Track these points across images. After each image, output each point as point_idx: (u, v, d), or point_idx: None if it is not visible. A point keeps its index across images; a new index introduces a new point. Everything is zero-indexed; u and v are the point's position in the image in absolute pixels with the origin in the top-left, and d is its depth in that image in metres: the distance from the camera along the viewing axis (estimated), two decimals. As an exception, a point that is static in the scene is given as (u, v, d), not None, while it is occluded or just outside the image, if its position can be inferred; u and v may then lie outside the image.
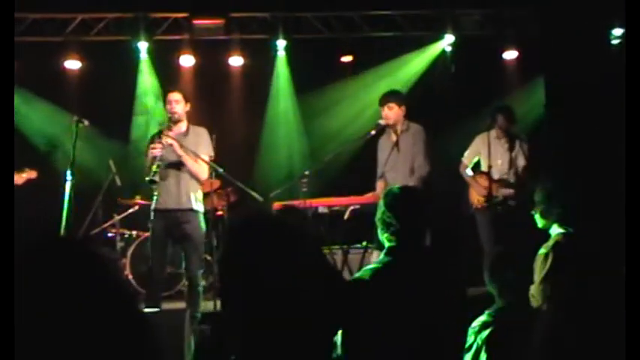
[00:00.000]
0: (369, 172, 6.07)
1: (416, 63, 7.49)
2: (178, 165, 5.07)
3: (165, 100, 5.19)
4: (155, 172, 4.91)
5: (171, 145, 5.00)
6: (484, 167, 5.84)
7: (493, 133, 5.83)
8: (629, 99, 2.65)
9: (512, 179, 5.75)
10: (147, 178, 4.92)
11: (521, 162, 5.79)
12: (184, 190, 5.07)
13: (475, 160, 5.98)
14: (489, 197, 5.66)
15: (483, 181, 5.80)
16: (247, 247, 1.46)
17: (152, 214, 5.16)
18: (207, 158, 5.16)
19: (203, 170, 5.14)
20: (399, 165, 5.65)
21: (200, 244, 5.14)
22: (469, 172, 6.00)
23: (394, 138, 5.71)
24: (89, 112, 5.61)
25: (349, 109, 7.51)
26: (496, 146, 5.83)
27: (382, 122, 5.68)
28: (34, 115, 7.16)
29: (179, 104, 5.10)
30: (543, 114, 5.60)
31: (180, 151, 5.02)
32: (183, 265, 5.16)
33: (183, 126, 5.19)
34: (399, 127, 5.69)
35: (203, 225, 5.17)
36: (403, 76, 7.43)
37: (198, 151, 5.11)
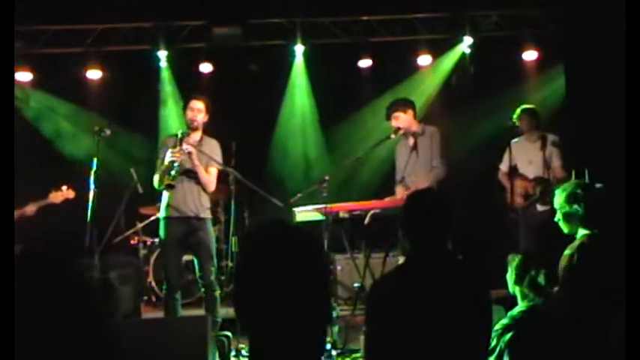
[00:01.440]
0: (390, 177, 6.08)
1: (439, 71, 7.50)
2: (191, 173, 5.07)
3: (186, 107, 5.19)
4: (175, 177, 4.93)
5: (190, 153, 5.02)
6: (520, 170, 5.91)
7: (523, 136, 5.93)
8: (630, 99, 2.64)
9: (549, 176, 5.79)
10: (165, 183, 4.92)
11: (556, 162, 5.84)
12: (197, 197, 5.09)
13: (512, 165, 6.03)
14: (528, 196, 5.74)
15: (520, 182, 5.87)
16: (258, 254, 1.49)
17: (163, 222, 5.11)
18: (216, 170, 5.16)
19: (212, 181, 5.15)
20: (418, 168, 5.67)
21: (213, 250, 5.19)
22: (503, 177, 6.06)
23: (411, 142, 5.74)
24: (111, 121, 5.68)
25: (369, 115, 7.52)
26: (527, 148, 5.90)
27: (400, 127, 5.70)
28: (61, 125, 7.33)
29: (201, 113, 5.13)
30: (564, 114, 5.57)
31: (196, 160, 5.05)
32: (198, 273, 5.14)
33: (197, 135, 5.19)
34: (414, 131, 5.72)
35: (213, 232, 5.21)
36: (425, 86, 7.46)
37: (211, 162, 5.12)
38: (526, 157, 5.91)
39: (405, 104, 5.78)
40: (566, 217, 3.50)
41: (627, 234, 2.68)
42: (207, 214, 5.14)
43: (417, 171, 5.67)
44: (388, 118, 5.72)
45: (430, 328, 2.44)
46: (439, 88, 7.48)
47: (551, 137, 5.90)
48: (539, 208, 5.81)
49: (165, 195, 5.09)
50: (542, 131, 5.93)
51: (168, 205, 5.07)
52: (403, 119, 5.69)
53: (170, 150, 4.97)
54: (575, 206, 3.45)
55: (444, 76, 7.50)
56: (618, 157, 2.89)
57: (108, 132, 5.23)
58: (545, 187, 5.75)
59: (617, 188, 2.86)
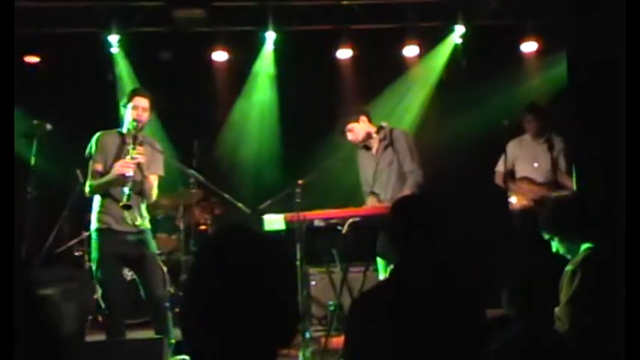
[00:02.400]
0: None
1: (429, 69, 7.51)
2: (137, 182, 4.90)
3: (128, 103, 4.97)
4: (129, 196, 4.70)
5: (139, 162, 4.82)
6: (523, 173, 5.90)
7: (526, 135, 5.95)
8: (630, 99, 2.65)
9: (560, 180, 5.80)
10: (121, 204, 4.72)
11: (563, 166, 5.86)
12: (140, 208, 4.98)
13: (511, 167, 6.05)
14: (538, 202, 5.75)
15: (527, 186, 5.88)
16: (210, 264, 1.45)
17: (96, 234, 4.93)
18: (156, 178, 5.04)
19: (155, 190, 5.05)
20: (386, 180, 5.65)
21: (157, 263, 5.12)
22: (502, 178, 6.06)
23: (374, 152, 5.73)
24: (51, 114, 5.57)
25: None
26: (533, 148, 5.91)
27: (385, 124, 5.69)
28: None
29: (146, 112, 4.98)
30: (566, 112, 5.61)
31: (146, 171, 4.93)
32: (144, 289, 5.01)
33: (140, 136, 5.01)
34: (373, 139, 5.70)
35: (153, 242, 5.14)
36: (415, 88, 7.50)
37: (152, 168, 4.99)
38: (532, 158, 5.92)
39: (356, 113, 5.77)
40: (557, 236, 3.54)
41: (628, 242, 2.69)
42: (147, 225, 5.05)
43: (387, 183, 5.65)
44: (343, 133, 5.73)
45: (420, 348, 2.43)
46: (431, 91, 7.49)
47: (557, 139, 5.93)
48: None
49: (97, 203, 4.94)
50: (551, 129, 5.96)
51: (102, 215, 4.90)
52: (358, 129, 5.69)
53: (120, 162, 4.79)
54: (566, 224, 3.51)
55: (435, 77, 7.50)
56: (622, 159, 2.90)
57: (48, 127, 5.12)
58: (560, 193, 5.76)
59: (619, 193, 2.87)
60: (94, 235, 4.96)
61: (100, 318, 6.48)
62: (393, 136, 5.70)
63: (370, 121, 5.77)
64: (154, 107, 5.07)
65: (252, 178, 7.53)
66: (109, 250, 4.92)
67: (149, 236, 5.06)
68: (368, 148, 5.79)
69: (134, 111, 4.94)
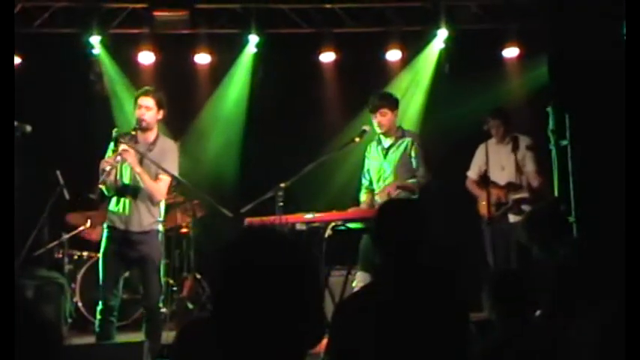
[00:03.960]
0: (353, 185, 6.05)
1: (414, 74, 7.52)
2: (134, 180, 4.99)
3: (134, 103, 5.12)
4: (98, 189, 4.85)
5: (125, 158, 4.90)
6: (492, 177, 5.99)
7: (492, 139, 6.00)
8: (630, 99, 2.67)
9: (522, 182, 5.84)
10: (90, 195, 4.85)
11: (530, 166, 5.89)
12: (141, 208, 5.01)
13: (480, 171, 6.10)
14: (500, 205, 5.81)
15: (492, 190, 5.95)
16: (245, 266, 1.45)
17: (105, 231, 5.09)
18: (167, 178, 5.08)
19: (160, 191, 5.07)
20: (390, 177, 5.67)
21: (158, 266, 5.10)
22: (472, 185, 6.20)
23: (386, 146, 5.74)
24: (31, 116, 5.51)
25: (330, 116, 7.50)
26: (498, 152, 5.96)
27: (367, 129, 5.68)
28: None
29: (150, 111, 5.05)
30: (547, 116, 5.64)
31: (137, 167, 4.95)
32: (141, 292, 5.10)
33: (151, 136, 5.12)
34: (391, 135, 5.72)
35: (161, 246, 5.13)
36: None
37: (163, 166, 5.03)
38: (498, 161, 5.97)
39: (395, 103, 5.79)
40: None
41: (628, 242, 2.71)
42: (152, 226, 5.07)
43: (389, 179, 5.68)
44: (374, 111, 5.69)
45: (404, 351, 2.43)
46: (415, 95, 7.50)
47: (523, 139, 5.97)
48: (512, 219, 5.87)
49: (111, 201, 5.04)
50: (513, 132, 6.00)
51: (109, 214, 5.05)
52: (389, 118, 5.69)
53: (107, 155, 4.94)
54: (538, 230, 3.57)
55: (423, 82, 7.52)
56: (611, 166, 2.93)
57: (28, 128, 5.08)
58: (517, 195, 5.83)
59: (614, 197, 2.90)
60: (104, 232, 5.09)
61: (80, 321, 6.45)
62: (408, 137, 5.72)
63: (397, 118, 5.78)
64: (164, 106, 5.12)
65: (233, 181, 7.50)
66: (111, 249, 5.02)
67: (154, 239, 5.06)
68: (380, 140, 5.79)
69: (138, 110, 5.07)
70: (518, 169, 5.87)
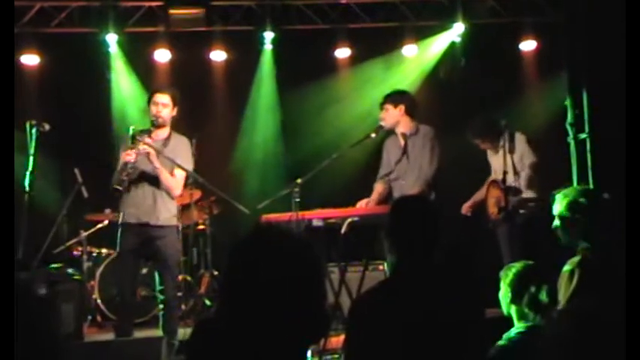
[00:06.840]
0: (370, 181, 6.04)
1: (422, 57, 7.47)
2: (152, 175, 5.05)
3: (150, 101, 5.19)
4: (123, 181, 4.94)
5: (147, 153, 4.99)
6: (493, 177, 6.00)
7: (489, 151, 6.04)
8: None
9: (520, 183, 5.79)
10: (112, 186, 4.95)
11: (530, 158, 5.82)
12: (159, 202, 5.07)
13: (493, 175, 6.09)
14: (501, 208, 5.77)
15: (495, 192, 5.93)
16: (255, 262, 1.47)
17: (120, 228, 5.15)
18: (183, 173, 5.17)
19: (177, 185, 5.16)
20: (407, 173, 5.67)
21: (176, 262, 5.15)
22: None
23: (402, 143, 5.74)
24: (50, 114, 5.56)
25: (346, 110, 7.48)
26: (498, 158, 5.89)
27: (383, 124, 5.70)
28: None
29: (166, 108, 5.14)
30: (564, 112, 5.58)
31: (156, 162, 5.01)
32: (158, 287, 5.14)
33: (164, 132, 5.21)
34: (404, 131, 5.71)
35: (178, 242, 5.17)
36: (408, 73, 7.44)
37: (179, 162, 5.11)
38: (499, 166, 5.88)
39: (398, 98, 5.77)
40: (566, 226, 3.45)
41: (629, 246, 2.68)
42: (170, 222, 5.16)
43: (406, 175, 5.69)
44: (380, 106, 5.76)
45: (420, 349, 2.42)
46: (422, 82, 7.44)
47: (520, 138, 5.85)
48: (519, 220, 5.80)
49: (124, 199, 5.09)
50: (507, 130, 5.91)
51: (125, 210, 5.10)
52: (390, 114, 5.69)
53: (123, 150, 5.01)
54: (577, 215, 3.41)
55: (428, 69, 7.48)
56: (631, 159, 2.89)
57: (47, 127, 5.13)
58: (518, 198, 5.77)
59: (634, 191, 2.86)
60: (119, 230, 5.17)
61: (99, 318, 6.50)
62: (422, 132, 5.72)
63: (408, 112, 5.74)
64: (179, 102, 5.19)
65: (250, 178, 7.51)
66: (126, 247, 5.10)
67: (172, 234, 5.15)
68: (397, 135, 5.80)
69: (153, 107, 5.15)
70: (516, 172, 5.82)
